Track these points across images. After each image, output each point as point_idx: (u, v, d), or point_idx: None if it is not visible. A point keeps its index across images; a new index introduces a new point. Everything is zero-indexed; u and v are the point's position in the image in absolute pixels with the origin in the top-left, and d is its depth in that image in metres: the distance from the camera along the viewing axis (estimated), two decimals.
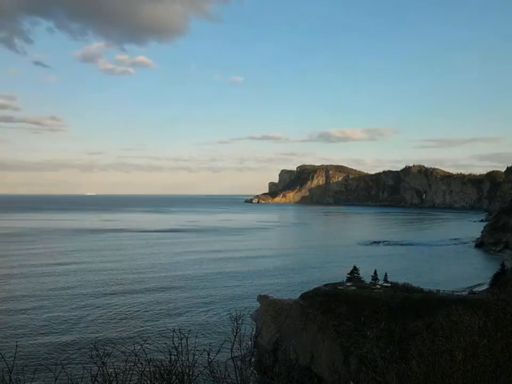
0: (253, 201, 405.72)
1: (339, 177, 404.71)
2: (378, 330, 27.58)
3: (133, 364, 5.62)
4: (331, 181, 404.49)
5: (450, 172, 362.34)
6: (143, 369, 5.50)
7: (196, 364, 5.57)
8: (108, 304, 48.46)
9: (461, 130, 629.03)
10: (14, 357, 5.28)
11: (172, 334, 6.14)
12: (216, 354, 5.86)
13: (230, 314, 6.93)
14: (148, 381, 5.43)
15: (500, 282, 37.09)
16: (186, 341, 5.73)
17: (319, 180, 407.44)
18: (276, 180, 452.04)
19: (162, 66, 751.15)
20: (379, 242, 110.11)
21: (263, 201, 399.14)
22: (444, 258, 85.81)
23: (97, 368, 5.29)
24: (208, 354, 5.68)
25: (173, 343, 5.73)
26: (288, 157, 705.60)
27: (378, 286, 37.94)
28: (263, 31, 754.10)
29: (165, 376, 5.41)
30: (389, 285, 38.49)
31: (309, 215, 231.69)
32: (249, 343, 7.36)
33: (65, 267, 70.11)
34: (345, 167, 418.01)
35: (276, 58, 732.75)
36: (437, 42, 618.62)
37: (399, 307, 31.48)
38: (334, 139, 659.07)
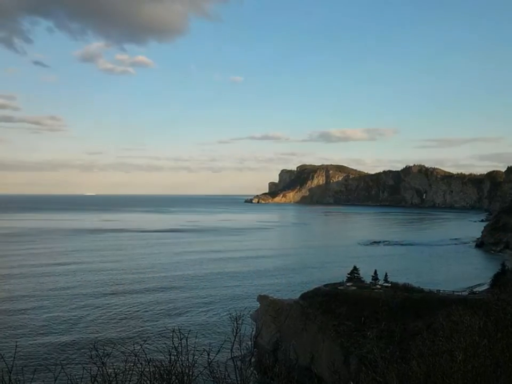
0: (253, 201, 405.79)
1: (339, 177, 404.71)
2: (378, 331, 27.56)
3: (132, 364, 5.62)
4: (331, 181, 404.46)
5: (451, 171, 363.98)
6: (142, 369, 5.49)
7: (195, 364, 5.57)
8: (108, 304, 48.44)
9: (461, 130, 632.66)
10: (14, 357, 5.27)
11: (171, 334, 6.14)
12: (216, 354, 5.85)
13: (230, 314, 6.92)
14: (148, 381, 5.42)
15: (500, 282, 37.09)
16: (186, 341, 5.72)
17: (319, 180, 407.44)
18: (276, 179, 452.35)
19: (162, 66, 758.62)
20: (379, 242, 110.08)
21: (263, 201, 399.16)
22: (444, 258, 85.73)
23: (96, 368, 5.29)
24: (208, 355, 5.68)
25: (173, 343, 5.74)
26: (288, 156, 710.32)
27: (378, 286, 37.92)
28: (263, 31, 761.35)
29: (165, 376, 5.40)
30: (389, 285, 38.46)
31: (309, 215, 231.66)
32: (249, 343, 7.34)
33: (65, 267, 70.09)
34: (345, 167, 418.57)
35: (276, 58, 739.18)
36: (437, 42, 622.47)
37: (399, 307, 31.45)
38: (334, 139, 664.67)
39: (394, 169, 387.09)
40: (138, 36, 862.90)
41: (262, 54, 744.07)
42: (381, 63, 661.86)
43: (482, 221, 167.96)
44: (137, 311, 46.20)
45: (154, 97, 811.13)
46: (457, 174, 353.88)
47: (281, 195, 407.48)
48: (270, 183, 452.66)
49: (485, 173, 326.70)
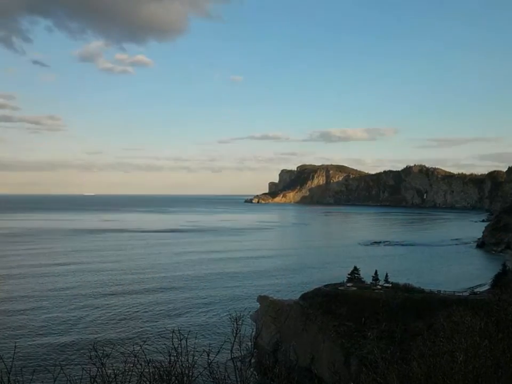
0: (253, 201, 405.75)
1: (339, 177, 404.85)
2: (379, 331, 27.50)
3: (132, 365, 5.61)
4: (331, 181, 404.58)
5: (452, 171, 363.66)
6: (142, 370, 5.49)
7: (195, 365, 5.58)
8: (107, 304, 48.41)
9: (462, 130, 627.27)
10: (13, 358, 5.27)
11: (171, 334, 6.15)
12: (216, 355, 5.84)
13: (230, 315, 6.87)
14: (147, 382, 5.43)
15: (501, 282, 37.11)
16: (186, 341, 5.73)
17: (319, 180, 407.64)
18: (276, 179, 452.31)
19: (161, 66, 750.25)
20: (380, 242, 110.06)
21: (263, 201, 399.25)
22: (445, 258, 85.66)
23: (96, 369, 5.29)
24: (208, 355, 5.67)
25: (173, 344, 5.74)
26: (288, 156, 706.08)
27: (379, 287, 37.87)
28: (263, 30, 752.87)
29: (164, 377, 5.39)
30: (390, 285, 38.43)
31: (309, 215, 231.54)
32: (249, 344, 7.32)
33: (64, 267, 70.04)
34: (345, 166, 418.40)
35: (276, 58, 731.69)
36: (437, 42, 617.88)
37: (400, 308, 31.44)
38: (335, 139, 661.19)
39: (394, 169, 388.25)
40: (138, 36, 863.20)
41: (262, 54, 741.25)
42: (381, 63, 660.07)
43: (483, 221, 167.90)
44: (137, 311, 46.17)
45: (154, 97, 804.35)
46: (458, 174, 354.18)
47: (281, 195, 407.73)
48: (270, 183, 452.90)
49: (486, 173, 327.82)
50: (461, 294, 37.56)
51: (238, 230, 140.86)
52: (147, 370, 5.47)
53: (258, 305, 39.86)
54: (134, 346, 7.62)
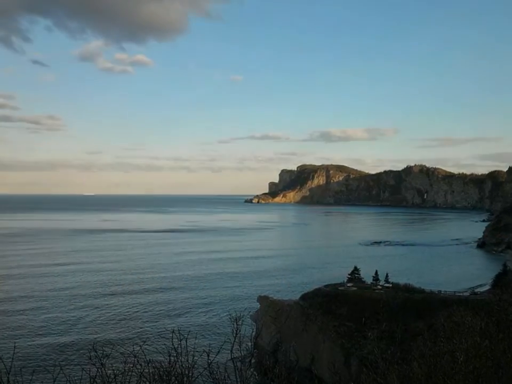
0: (253, 201, 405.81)
1: (340, 177, 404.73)
2: (379, 331, 27.47)
3: (132, 365, 5.61)
4: (332, 181, 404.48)
5: (452, 171, 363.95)
6: (142, 370, 5.49)
7: (195, 365, 5.58)
8: (107, 305, 48.38)
9: (462, 130, 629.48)
10: (12, 358, 5.25)
11: (171, 335, 6.16)
12: (216, 355, 5.84)
13: (230, 315, 6.86)
14: (147, 383, 5.43)
15: (502, 283, 37.09)
16: (186, 342, 5.73)
17: (319, 180, 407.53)
18: (276, 179, 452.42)
19: (161, 66, 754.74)
20: (380, 242, 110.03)
21: (263, 201, 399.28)
22: (445, 258, 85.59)
23: (96, 369, 5.29)
24: (208, 356, 5.67)
25: (172, 344, 5.74)
26: (288, 156, 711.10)
27: (379, 287, 37.87)
28: (263, 30, 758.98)
29: (164, 377, 5.39)
30: (390, 285, 38.41)
31: (309, 215, 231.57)
32: (249, 344, 7.30)
33: (63, 267, 70.01)
34: (346, 166, 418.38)
35: (276, 58, 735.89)
36: (438, 41, 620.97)
37: (400, 308, 31.41)
38: (335, 138, 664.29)
39: (395, 169, 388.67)
40: (138, 35, 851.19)
41: (262, 53, 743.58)
42: (382, 62, 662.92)
43: (483, 221, 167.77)
44: (137, 311, 46.13)
45: (154, 96, 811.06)
46: (459, 174, 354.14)
47: (281, 195, 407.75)
48: (270, 183, 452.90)
49: (487, 172, 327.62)
50: (461, 294, 37.54)
51: (238, 230, 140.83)
52: (147, 370, 5.47)
53: (258, 306, 39.85)
54: (134, 346, 7.62)
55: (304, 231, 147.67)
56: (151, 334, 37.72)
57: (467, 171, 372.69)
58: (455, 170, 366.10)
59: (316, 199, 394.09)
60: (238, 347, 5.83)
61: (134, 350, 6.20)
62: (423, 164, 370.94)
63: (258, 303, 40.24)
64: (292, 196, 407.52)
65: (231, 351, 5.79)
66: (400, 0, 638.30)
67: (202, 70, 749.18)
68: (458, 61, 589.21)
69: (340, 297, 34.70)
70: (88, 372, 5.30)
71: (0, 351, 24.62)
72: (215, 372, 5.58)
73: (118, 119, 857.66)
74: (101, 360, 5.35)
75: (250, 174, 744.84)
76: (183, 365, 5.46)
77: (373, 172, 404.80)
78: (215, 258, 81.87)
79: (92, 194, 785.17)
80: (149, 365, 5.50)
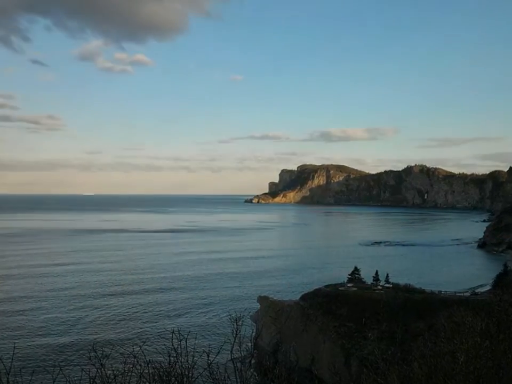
0: (253, 201, 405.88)
1: (340, 177, 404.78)
2: (379, 332, 27.45)
3: (131, 366, 5.61)
4: (332, 181, 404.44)
5: (453, 171, 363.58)
6: (142, 371, 5.49)
7: (195, 366, 5.59)
8: (107, 305, 48.36)
9: (463, 130, 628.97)
10: (12, 359, 5.24)
11: (171, 335, 6.16)
12: (216, 356, 5.84)
13: (230, 315, 6.87)
14: (147, 383, 5.40)
15: (503, 283, 37.07)
16: (186, 342, 5.73)
17: (319, 180, 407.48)
18: (276, 179, 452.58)
19: (161, 65, 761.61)
20: (380, 242, 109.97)
21: (263, 201, 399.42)
22: (446, 258, 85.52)
23: (95, 370, 5.30)
24: (208, 356, 5.67)
25: (172, 345, 5.74)
26: (288, 156, 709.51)
27: (379, 287, 37.84)
28: (263, 29, 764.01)
29: (164, 378, 5.38)
30: (390, 285, 38.41)
31: (309, 215, 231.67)
32: (249, 344, 7.29)
33: (63, 268, 70.01)
34: (346, 166, 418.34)
35: (276, 57, 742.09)
36: (438, 41, 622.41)
37: (401, 308, 31.37)
38: (335, 138, 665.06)
39: (395, 169, 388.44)
40: (137, 35, 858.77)
41: (263, 53, 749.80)
42: (382, 62, 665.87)
43: (484, 221, 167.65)
44: (136, 312, 46.09)
45: (154, 96, 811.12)
46: (459, 174, 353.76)
47: (281, 195, 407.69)
48: (270, 183, 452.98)
49: (487, 172, 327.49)
50: (462, 294, 37.56)
51: (238, 230, 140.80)
52: (147, 371, 5.47)
53: (259, 306, 39.82)
54: (134, 347, 7.60)
55: (304, 231, 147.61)
56: (151, 334, 37.71)
57: (467, 171, 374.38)
58: (455, 170, 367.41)
59: (316, 199, 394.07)
60: (238, 347, 5.84)
61: (133, 351, 6.18)
62: (424, 163, 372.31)
63: (258, 304, 40.22)
64: (292, 196, 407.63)
65: (231, 351, 5.79)
66: (400, 1, 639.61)
67: (202, 70, 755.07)
68: (459, 60, 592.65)
69: (340, 297, 34.67)
70: (87, 372, 5.31)
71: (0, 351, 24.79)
72: (215, 373, 5.59)
73: (117, 119, 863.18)
74: (100, 360, 5.35)
75: (250, 174, 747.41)
76: (183, 366, 5.47)
77: (373, 172, 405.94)
78: (215, 258, 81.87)
79: (92, 194, 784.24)
80: (149, 365, 5.51)
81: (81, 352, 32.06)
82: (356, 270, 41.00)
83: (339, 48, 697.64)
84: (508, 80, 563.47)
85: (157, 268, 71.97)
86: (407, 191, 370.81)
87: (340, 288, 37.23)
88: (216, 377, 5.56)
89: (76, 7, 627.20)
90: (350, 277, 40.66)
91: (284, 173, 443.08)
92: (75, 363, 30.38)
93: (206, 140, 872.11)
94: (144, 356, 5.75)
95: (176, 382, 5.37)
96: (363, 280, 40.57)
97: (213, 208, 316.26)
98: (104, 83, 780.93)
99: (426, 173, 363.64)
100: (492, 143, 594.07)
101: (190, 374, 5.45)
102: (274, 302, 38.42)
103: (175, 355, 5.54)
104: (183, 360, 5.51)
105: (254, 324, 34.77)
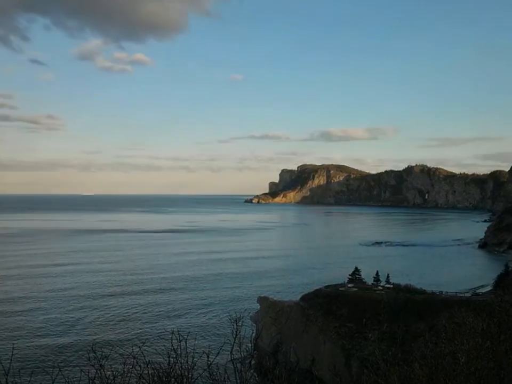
0: (253, 201, 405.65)
1: (340, 177, 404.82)
2: (380, 332, 27.39)
3: (131, 367, 5.61)
4: (332, 181, 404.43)
5: (453, 171, 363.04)
6: (141, 371, 5.49)
7: (195, 367, 5.62)
8: (106, 305, 48.33)
9: (463, 130, 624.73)
10: (11, 359, 5.23)
11: (170, 336, 6.19)
12: (216, 356, 5.86)
13: (230, 316, 6.88)
14: None
15: (504, 283, 36.97)
16: (185, 343, 5.76)
17: (320, 180, 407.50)
18: (276, 179, 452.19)
19: (161, 65, 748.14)
20: (381, 243, 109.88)
21: (263, 201, 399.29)
22: (447, 259, 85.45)
23: (95, 370, 5.31)
24: (208, 357, 5.70)
25: (172, 345, 5.76)
26: (288, 156, 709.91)
27: (380, 287, 37.78)
28: (263, 29, 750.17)
29: (164, 378, 5.37)
30: (391, 286, 38.35)
31: (309, 216, 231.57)
32: (249, 345, 7.27)
33: (62, 268, 69.97)
34: (346, 166, 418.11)
35: (277, 56, 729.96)
36: (439, 41, 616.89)
37: (401, 309, 31.32)
38: (335, 138, 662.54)
39: (396, 169, 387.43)
40: (137, 34, 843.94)
41: (262, 53, 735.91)
42: (382, 61, 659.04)
43: (485, 221, 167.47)
44: (136, 312, 46.05)
45: (153, 96, 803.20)
46: (460, 173, 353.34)
47: (281, 195, 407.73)
48: (270, 183, 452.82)
49: (488, 172, 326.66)
50: (462, 295, 37.53)
51: (238, 230, 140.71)
52: (146, 372, 5.47)
53: (258, 306, 39.78)
54: (133, 347, 7.57)
55: (305, 231, 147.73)
56: (151, 335, 37.63)
57: (468, 171, 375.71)
58: (456, 170, 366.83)
59: (316, 199, 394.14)
60: (238, 348, 5.85)
61: (133, 351, 6.20)
62: (424, 163, 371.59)
63: (258, 304, 40.17)
64: (292, 196, 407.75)
65: (231, 352, 5.79)
66: (400, 0, 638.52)
67: (202, 69, 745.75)
68: (460, 60, 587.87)
69: (341, 298, 34.61)
70: (87, 373, 5.31)
71: None
72: (214, 373, 5.60)
73: (117, 119, 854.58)
74: (100, 361, 5.36)
75: (250, 174, 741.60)
76: (183, 366, 5.48)
77: (374, 172, 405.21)
78: (214, 258, 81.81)
79: (91, 194, 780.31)
80: (148, 366, 5.52)
81: (80, 353, 31.98)
82: (357, 270, 40.95)
83: (339, 47, 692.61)
84: (509, 79, 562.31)
85: (157, 268, 71.96)
86: (407, 191, 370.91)
87: (340, 289, 37.18)
88: (216, 378, 5.56)
89: (75, 7, 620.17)
90: (350, 277, 40.60)
91: (284, 173, 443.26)
92: (74, 364, 30.34)
93: (205, 140, 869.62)
94: (144, 356, 5.77)
95: (176, 383, 5.36)
96: (364, 280, 40.51)
97: (212, 208, 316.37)
98: (103, 83, 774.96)
99: (427, 173, 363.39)
100: (493, 143, 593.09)
101: (190, 375, 5.45)
102: (275, 302, 38.37)
103: (174, 356, 5.56)
104: (182, 361, 5.53)
105: (254, 324, 34.74)
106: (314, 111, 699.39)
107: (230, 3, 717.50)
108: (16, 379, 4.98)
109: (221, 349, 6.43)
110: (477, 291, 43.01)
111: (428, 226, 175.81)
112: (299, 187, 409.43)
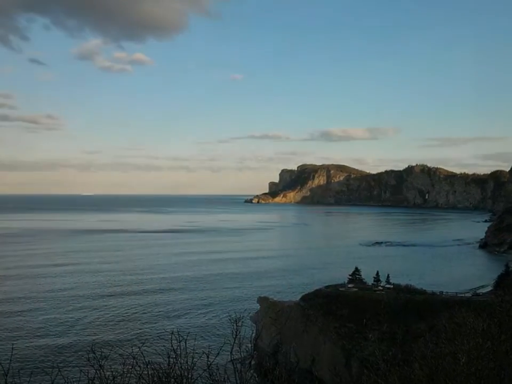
0: (253, 201, 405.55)
1: (340, 177, 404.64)
2: (380, 333, 27.38)
3: (130, 367, 5.60)
4: (332, 181, 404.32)
5: (454, 171, 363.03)
6: (141, 372, 5.48)
7: (194, 367, 5.62)
8: (106, 306, 48.30)
9: (464, 129, 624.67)
10: (10, 360, 5.23)
11: (170, 336, 6.18)
12: (216, 357, 5.84)
13: (230, 316, 6.87)
14: None
15: (504, 283, 36.95)
16: (185, 343, 5.77)
17: (320, 180, 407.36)
18: (276, 179, 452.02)
19: (160, 64, 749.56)
20: (381, 243, 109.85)
21: (263, 201, 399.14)
22: (447, 259, 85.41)
23: (94, 371, 5.30)
24: (207, 357, 5.69)
25: (172, 346, 5.76)
26: (288, 156, 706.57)
27: (380, 288, 37.79)
28: (263, 28, 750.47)
29: (163, 379, 5.37)
30: (391, 286, 38.37)
31: (309, 216, 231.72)
32: (249, 345, 7.25)
33: (62, 268, 69.92)
34: (346, 166, 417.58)
35: (277, 56, 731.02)
36: (439, 41, 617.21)
37: (402, 309, 31.32)
38: (336, 138, 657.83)
39: (396, 169, 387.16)
40: (137, 34, 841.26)
41: (263, 52, 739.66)
42: (383, 61, 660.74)
43: (485, 221, 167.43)
44: (136, 312, 46.03)
45: (153, 95, 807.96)
46: (460, 173, 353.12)
47: (281, 195, 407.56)
48: (270, 183, 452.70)
49: (489, 172, 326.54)
50: (463, 295, 37.61)
51: (238, 231, 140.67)
52: (146, 372, 5.46)
53: (258, 307, 39.78)
54: (133, 348, 7.57)
55: (305, 231, 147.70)
56: (150, 335, 37.61)
57: (469, 171, 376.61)
58: (456, 170, 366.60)
59: (317, 199, 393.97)
60: (238, 348, 5.85)
61: (132, 352, 6.19)
62: (425, 163, 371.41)
63: (258, 304, 40.17)
64: (292, 196, 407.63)
65: (231, 352, 5.79)
66: (400, 0, 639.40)
67: (202, 69, 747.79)
68: (460, 60, 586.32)
69: (341, 298, 34.59)
70: (86, 373, 5.31)
71: None
72: (214, 374, 5.60)
73: (116, 119, 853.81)
74: (99, 361, 5.36)
75: (250, 174, 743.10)
76: (183, 367, 5.49)
77: (374, 172, 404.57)
78: (214, 258, 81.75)
79: (91, 194, 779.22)
80: (148, 366, 5.52)
81: (80, 353, 31.89)
82: (357, 270, 40.94)
83: (339, 47, 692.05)
84: (509, 79, 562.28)
85: (156, 268, 71.91)
86: (408, 191, 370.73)
87: (340, 289, 37.16)
88: (216, 378, 5.55)
89: (75, 6, 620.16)
90: (350, 277, 40.59)
91: (284, 172, 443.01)
92: (74, 364, 30.27)
93: (205, 140, 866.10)
94: (143, 357, 5.76)
95: (175, 383, 5.34)
96: (364, 280, 40.50)
97: (212, 208, 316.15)
98: (103, 82, 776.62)
99: (428, 173, 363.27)
100: (493, 143, 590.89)
101: (190, 375, 5.45)
102: (274, 302, 38.35)
103: (174, 356, 5.56)
104: (182, 361, 5.54)
105: (254, 324, 34.67)
106: (314, 111, 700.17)
107: (229, 3, 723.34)
108: (15, 379, 4.98)
109: (220, 349, 6.41)
110: (478, 291, 43.03)
111: (428, 226, 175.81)
112: (299, 187, 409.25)
